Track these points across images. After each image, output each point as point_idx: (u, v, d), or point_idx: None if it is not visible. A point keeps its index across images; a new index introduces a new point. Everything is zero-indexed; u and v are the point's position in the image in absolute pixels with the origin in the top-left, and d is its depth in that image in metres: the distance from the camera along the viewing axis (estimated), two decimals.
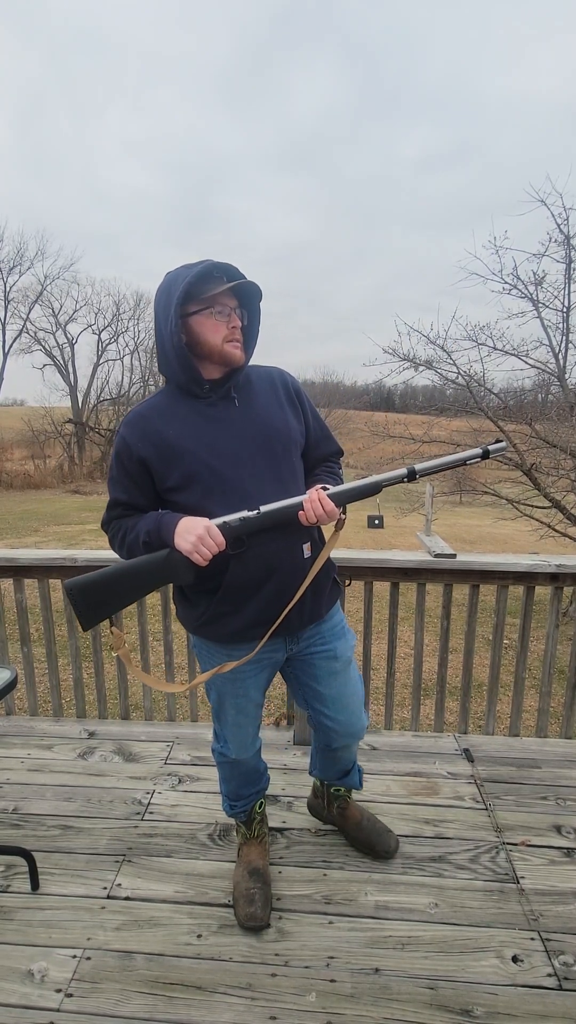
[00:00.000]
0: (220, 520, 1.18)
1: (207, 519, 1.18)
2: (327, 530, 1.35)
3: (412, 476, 1.25)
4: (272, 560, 1.26)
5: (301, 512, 1.21)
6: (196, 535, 1.16)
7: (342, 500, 1.24)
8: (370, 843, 1.64)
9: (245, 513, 1.19)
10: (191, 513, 1.22)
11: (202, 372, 1.26)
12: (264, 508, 1.20)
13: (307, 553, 1.31)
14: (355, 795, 1.78)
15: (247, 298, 1.29)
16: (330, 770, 1.63)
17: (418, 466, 1.27)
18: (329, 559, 1.38)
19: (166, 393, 1.31)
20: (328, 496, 1.22)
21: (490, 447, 1.27)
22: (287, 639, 1.37)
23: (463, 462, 1.27)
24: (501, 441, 1.29)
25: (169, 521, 1.20)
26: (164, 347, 1.24)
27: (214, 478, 1.23)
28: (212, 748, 1.57)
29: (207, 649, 1.39)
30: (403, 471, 1.26)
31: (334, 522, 1.26)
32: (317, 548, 1.35)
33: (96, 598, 1.23)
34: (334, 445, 1.46)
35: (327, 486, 1.27)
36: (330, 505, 1.20)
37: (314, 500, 1.20)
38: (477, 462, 1.27)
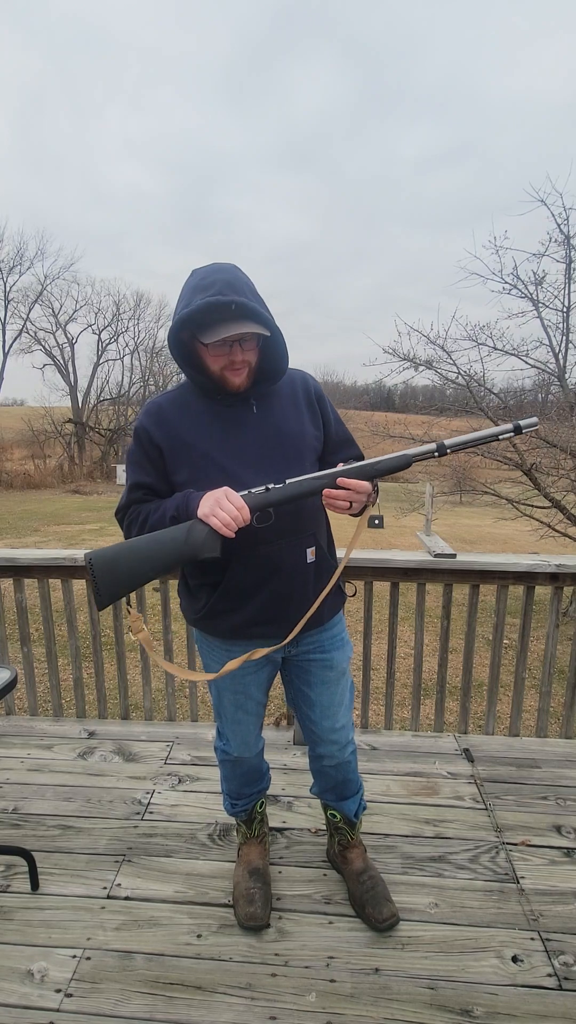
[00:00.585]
0: (244, 491, 1.16)
1: (225, 488, 1.15)
2: (351, 521, 1.30)
3: (443, 451, 1.21)
4: (275, 561, 1.25)
5: (328, 492, 1.16)
6: (214, 498, 1.13)
7: (368, 475, 1.20)
8: (362, 903, 1.47)
9: (271, 484, 1.16)
10: None
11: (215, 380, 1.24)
12: (290, 480, 1.17)
13: (311, 557, 1.30)
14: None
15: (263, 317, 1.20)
16: (323, 783, 1.58)
17: (448, 441, 1.22)
18: (333, 564, 1.37)
19: (186, 388, 1.31)
20: (354, 471, 1.18)
21: (522, 423, 1.21)
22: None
23: (495, 437, 1.21)
24: (533, 417, 1.23)
25: (196, 495, 1.17)
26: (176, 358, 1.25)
27: (222, 477, 1.22)
28: (215, 746, 1.57)
29: (207, 643, 1.40)
30: (432, 446, 1.21)
31: (367, 498, 1.21)
32: (321, 552, 1.33)
33: (116, 571, 1.15)
34: (355, 449, 1.43)
35: (351, 463, 1.22)
36: (354, 481, 1.16)
37: (341, 481, 1.16)
38: (510, 437, 1.21)
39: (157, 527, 1.20)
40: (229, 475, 1.22)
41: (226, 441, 1.24)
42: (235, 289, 1.15)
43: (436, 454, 1.21)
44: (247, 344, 1.19)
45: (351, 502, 1.17)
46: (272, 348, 1.25)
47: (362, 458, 1.39)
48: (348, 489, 1.16)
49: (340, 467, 1.19)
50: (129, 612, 1.27)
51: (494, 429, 1.22)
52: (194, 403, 1.27)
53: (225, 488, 1.14)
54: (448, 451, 1.21)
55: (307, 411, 1.34)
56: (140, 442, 1.27)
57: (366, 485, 1.18)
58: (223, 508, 1.12)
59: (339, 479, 1.17)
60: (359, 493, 1.17)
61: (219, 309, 1.13)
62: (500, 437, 1.21)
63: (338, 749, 1.49)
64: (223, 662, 1.33)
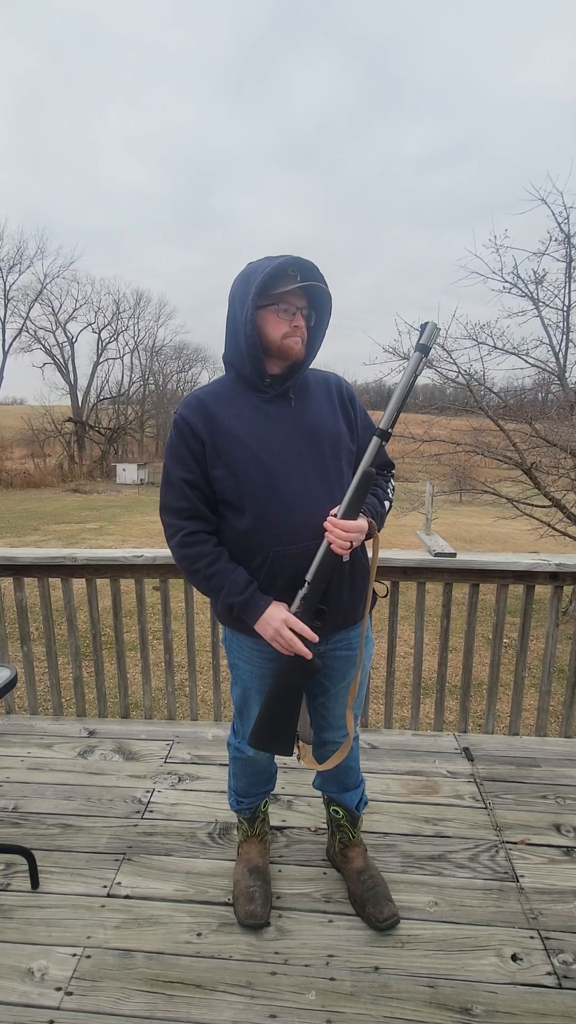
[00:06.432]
0: (293, 608, 1.24)
1: (284, 613, 1.23)
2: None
3: (385, 437, 1.22)
4: (306, 564, 1.25)
5: (336, 548, 1.19)
6: (273, 628, 1.22)
7: (351, 513, 1.21)
8: (362, 903, 1.47)
9: (301, 592, 1.23)
10: (232, 505, 1.25)
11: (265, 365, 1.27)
12: (309, 576, 1.22)
13: (345, 556, 1.29)
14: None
15: (317, 301, 1.30)
16: (325, 771, 1.58)
17: (381, 424, 1.22)
18: (365, 563, 1.38)
19: (225, 383, 1.32)
20: (340, 517, 1.20)
21: (423, 339, 1.16)
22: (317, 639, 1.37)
23: (414, 374, 1.19)
24: (427, 323, 1.17)
25: (256, 607, 1.24)
26: (237, 335, 1.25)
27: (260, 471, 1.23)
28: (228, 742, 1.58)
29: (237, 642, 1.40)
30: (375, 441, 1.22)
31: (367, 529, 1.25)
32: (354, 552, 1.32)
33: (272, 734, 1.33)
34: (383, 457, 1.43)
35: (334, 512, 1.24)
36: (347, 523, 1.18)
37: (330, 531, 1.19)
38: (424, 362, 1.20)
39: (209, 591, 1.29)
40: (267, 470, 1.23)
41: (265, 435, 1.25)
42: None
43: (383, 444, 1.23)
44: (305, 313, 1.27)
45: (351, 542, 1.20)
46: (313, 332, 1.31)
47: (391, 466, 1.46)
48: (341, 539, 1.18)
49: (326, 525, 1.21)
50: (299, 747, 1.40)
51: (408, 368, 1.19)
52: (234, 396, 1.29)
53: (283, 618, 1.22)
54: (391, 431, 1.22)
55: (341, 412, 1.36)
56: (182, 435, 1.27)
57: (356, 524, 1.20)
58: (285, 638, 1.22)
59: (328, 522, 1.20)
60: (356, 533, 1.20)
61: (288, 276, 1.22)
62: (418, 372, 1.20)
63: (343, 735, 1.50)
64: (253, 661, 1.36)
